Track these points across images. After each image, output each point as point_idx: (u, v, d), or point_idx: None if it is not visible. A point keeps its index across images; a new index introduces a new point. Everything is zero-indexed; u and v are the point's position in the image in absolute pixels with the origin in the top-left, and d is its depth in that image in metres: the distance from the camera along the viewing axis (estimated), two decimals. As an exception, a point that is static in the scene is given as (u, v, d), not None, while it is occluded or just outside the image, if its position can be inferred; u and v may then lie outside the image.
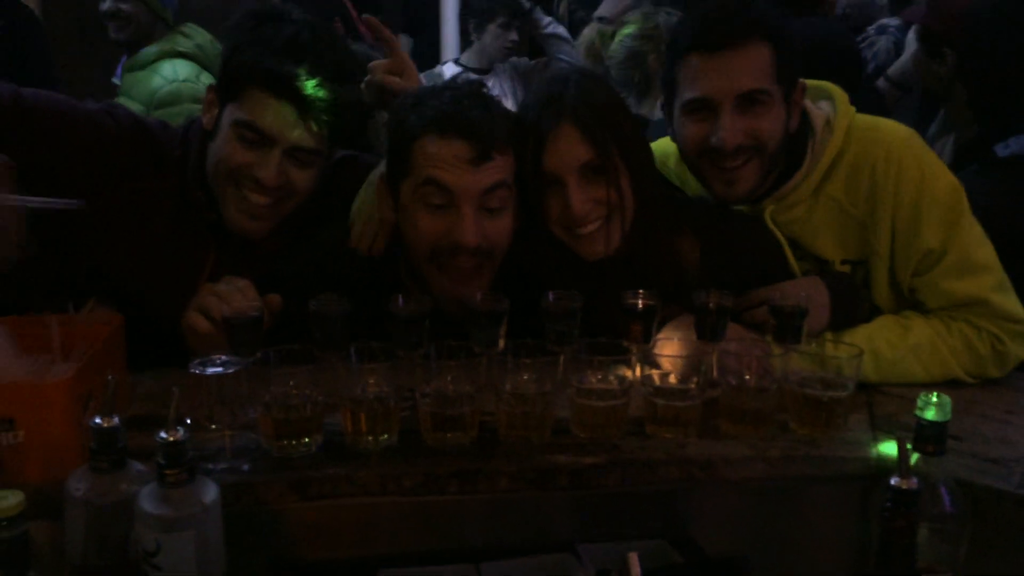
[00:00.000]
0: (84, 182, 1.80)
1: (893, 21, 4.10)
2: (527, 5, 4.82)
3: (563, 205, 1.75)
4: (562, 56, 4.82)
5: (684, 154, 1.89)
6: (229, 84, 1.83)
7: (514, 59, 4.87)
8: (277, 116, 1.79)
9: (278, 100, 1.79)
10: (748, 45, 1.76)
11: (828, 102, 1.94)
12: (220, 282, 1.72)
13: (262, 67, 1.78)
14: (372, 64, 2.06)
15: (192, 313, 1.68)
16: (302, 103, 1.79)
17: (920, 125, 2.80)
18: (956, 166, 2.58)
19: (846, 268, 1.89)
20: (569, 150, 1.73)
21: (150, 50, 3.66)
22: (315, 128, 1.82)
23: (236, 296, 1.68)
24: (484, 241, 1.72)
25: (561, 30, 4.93)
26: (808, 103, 1.92)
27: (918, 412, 1.28)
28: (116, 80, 4.07)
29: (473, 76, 4.66)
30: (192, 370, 1.41)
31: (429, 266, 1.76)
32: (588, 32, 4.18)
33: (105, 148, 1.85)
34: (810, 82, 1.96)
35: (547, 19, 4.93)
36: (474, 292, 1.70)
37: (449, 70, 4.85)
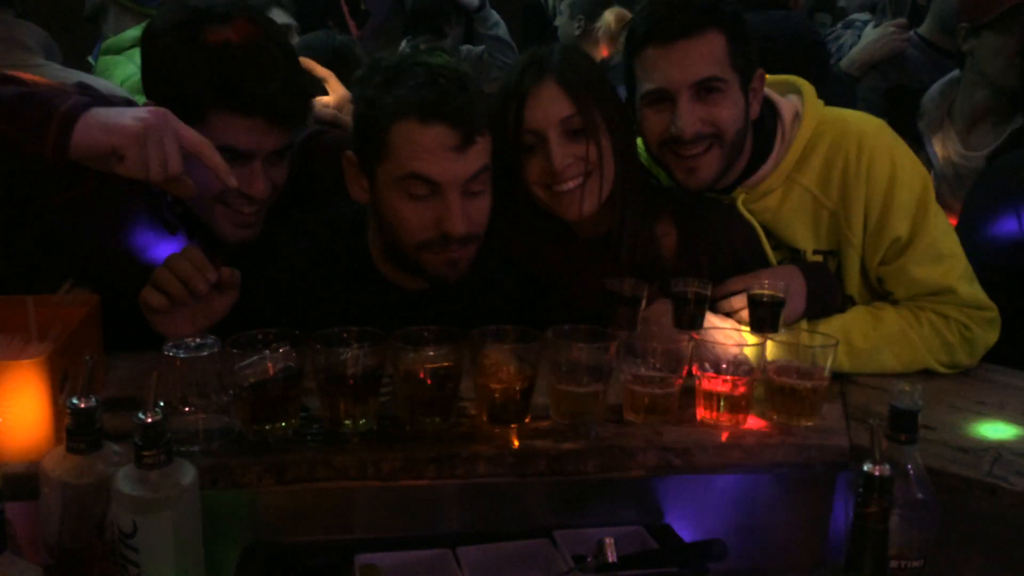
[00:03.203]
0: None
1: (863, 16, 4.15)
2: (475, 4, 4.88)
3: (543, 162, 1.77)
4: (500, 57, 4.91)
5: (647, 146, 1.91)
6: (185, 110, 1.65)
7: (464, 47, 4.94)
8: (251, 132, 1.73)
9: (247, 117, 1.72)
10: (702, 34, 1.78)
11: (796, 95, 1.96)
12: (172, 255, 1.68)
13: (223, 89, 1.69)
14: (315, 100, 2.10)
15: (145, 288, 1.65)
16: (272, 113, 1.74)
17: (892, 114, 2.84)
18: (1007, 147, 2.66)
19: (818, 258, 1.92)
20: (551, 105, 1.76)
21: (127, 35, 3.62)
22: (289, 130, 1.80)
23: (185, 266, 1.64)
24: (471, 227, 1.72)
25: (503, 33, 4.98)
26: (776, 96, 1.94)
27: (891, 401, 1.30)
28: (92, 60, 4.03)
29: None
30: (166, 352, 1.40)
31: (418, 252, 1.74)
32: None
33: None
34: (778, 76, 1.99)
35: (494, 19, 4.98)
36: (463, 271, 1.75)
37: None
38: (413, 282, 1.85)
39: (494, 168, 1.76)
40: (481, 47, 5.05)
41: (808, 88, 1.95)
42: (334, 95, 2.28)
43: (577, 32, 4.59)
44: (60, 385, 1.33)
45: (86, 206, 1.81)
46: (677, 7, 1.79)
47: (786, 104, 1.93)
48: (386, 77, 1.70)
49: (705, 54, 1.78)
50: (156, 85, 1.79)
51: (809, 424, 1.51)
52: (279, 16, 4.24)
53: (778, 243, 1.92)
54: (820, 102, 1.94)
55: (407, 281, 1.86)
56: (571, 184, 1.79)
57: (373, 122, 1.70)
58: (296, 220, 1.94)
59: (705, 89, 1.79)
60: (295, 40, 4.17)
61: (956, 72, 2.93)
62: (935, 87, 2.97)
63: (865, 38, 3.49)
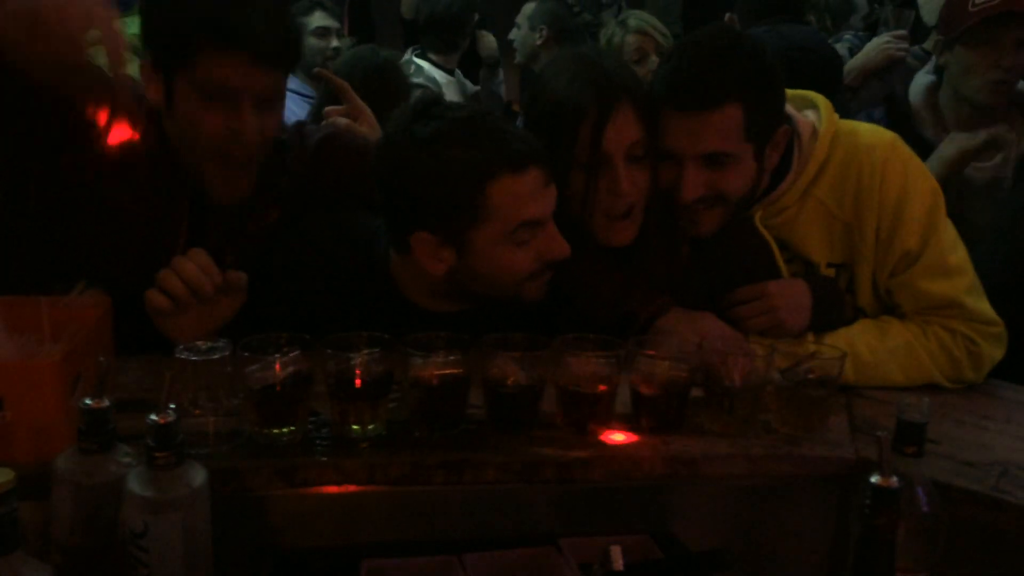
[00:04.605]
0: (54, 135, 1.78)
1: (848, 34, 4.19)
2: (495, 57, 4.92)
3: (609, 187, 1.77)
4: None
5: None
6: (173, 52, 1.75)
7: None
8: (237, 69, 1.74)
9: (233, 52, 1.73)
10: (719, 108, 1.74)
11: (813, 110, 1.96)
12: (177, 258, 1.69)
13: (208, 25, 1.72)
14: (327, 110, 2.11)
15: (151, 290, 1.67)
16: (256, 49, 1.74)
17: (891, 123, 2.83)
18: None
19: (831, 271, 1.92)
20: (625, 129, 1.76)
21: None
22: (277, 71, 1.81)
23: (190, 268, 1.66)
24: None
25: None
26: (794, 111, 1.94)
27: (898, 413, 1.30)
28: None
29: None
30: (177, 355, 1.41)
31: (519, 287, 1.74)
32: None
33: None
34: (796, 92, 1.98)
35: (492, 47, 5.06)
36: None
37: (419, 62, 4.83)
38: (437, 304, 1.83)
39: None
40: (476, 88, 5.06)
41: (825, 104, 1.95)
42: (350, 107, 2.30)
43: (539, 42, 4.59)
44: (73, 386, 1.34)
45: (91, 167, 1.81)
46: (699, 77, 1.75)
47: (804, 121, 1.92)
48: (455, 145, 1.65)
49: (719, 128, 1.75)
50: (152, 33, 1.82)
51: (816, 436, 1.52)
52: (322, 19, 4.29)
53: (792, 256, 1.93)
54: (836, 116, 1.94)
55: (432, 303, 1.83)
56: (626, 209, 1.80)
57: (459, 192, 1.65)
58: (312, 231, 1.93)
59: (713, 160, 1.77)
60: (335, 43, 4.17)
61: (930, 78, 2.89)
62: (917, 97, 2.89)
63: (864, 49, 3.50)
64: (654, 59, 3.88)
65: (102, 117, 1.81)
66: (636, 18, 4.22)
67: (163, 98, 1.80)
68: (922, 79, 2.92)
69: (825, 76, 3.08)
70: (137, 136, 1.84)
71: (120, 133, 1.83)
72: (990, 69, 2.62)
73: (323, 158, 2.02)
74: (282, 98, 1.88)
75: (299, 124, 2.14)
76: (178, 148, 1.84)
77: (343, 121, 2.24)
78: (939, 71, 2.83)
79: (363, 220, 1.89)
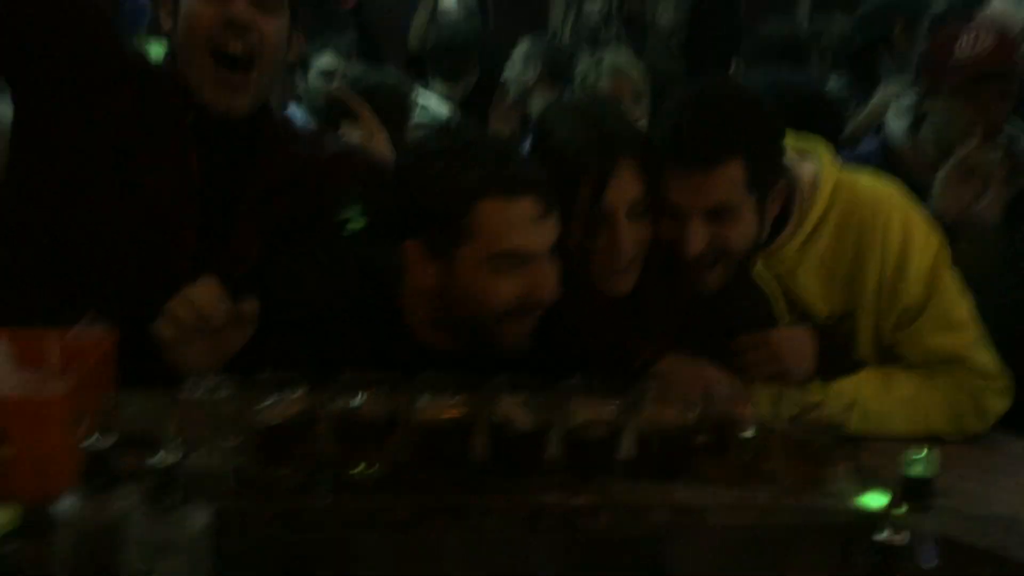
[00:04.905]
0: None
1: None
2: None
3: (610, 243, 1.77)
4: None
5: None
6: None
7: None
8: None
9: None
10: (721, 165, 1.74)
11: (814, 160, 1.96)
12: (187, 288, 1.70)
13: None
14: (344, 129, 2.13)
15: (159, 319, 1.67)
16: None
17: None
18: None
19: (831, 322, 1.92)
20: (628, 187, 1.76)
21: None
22: None
23: (201, 297, 1.66)
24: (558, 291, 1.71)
25: None
26: (794, 160, 1.94)
27: (905, 467, 1.30)
28: None
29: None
30: (182, 393, 1.41)
31: (498, 324, 1.72)
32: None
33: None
34: (796, 141, 1.99)
35: None
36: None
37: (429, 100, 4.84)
38: (442, 340, 1.82)
39: None
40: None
41: (825, 152, 1.96)
42: (366, 127, 2.31)
43: (532, 82, 4.56)
44: (77, 422, 1.33)
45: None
46: (701, 134, 1.75)
47: (804, 170, 1.93)
48: (452, 158, 1.67)
49: (722, 183, 1.75)
50: None
51: (820, 486, 1.51)
52: (329, 62, 4.31)
53: (793, 305, 1.93)
54: (836, 165, 1.95)
55: (437, 339, 1.82)
56: (627, 263, 1.80)
57: (448, 205, 1.66)
58: (321, 254, 1.93)
59: (716, 213, 1.77)
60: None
61: (907, 120, 2.84)
62: (899, 138, 2.86)
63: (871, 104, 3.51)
64: (629, 101, 3.82)
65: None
66: (612, 58, 4.17)
67: (171, 23, 1.88)
68: (902, 121, 2.91)
69: (821, 126, 3.09)
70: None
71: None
72: (979, 119, 2.60)
73: (335, 172, 2.04)
74: (283, 7, 1.91)
75: (319, 131, 2.17)
76: (180, 66, 1.89)
77: (359, 138, 2.25)
78: (915, 116, 2.82)
79: (373, 250, 1.89)
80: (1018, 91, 2.67)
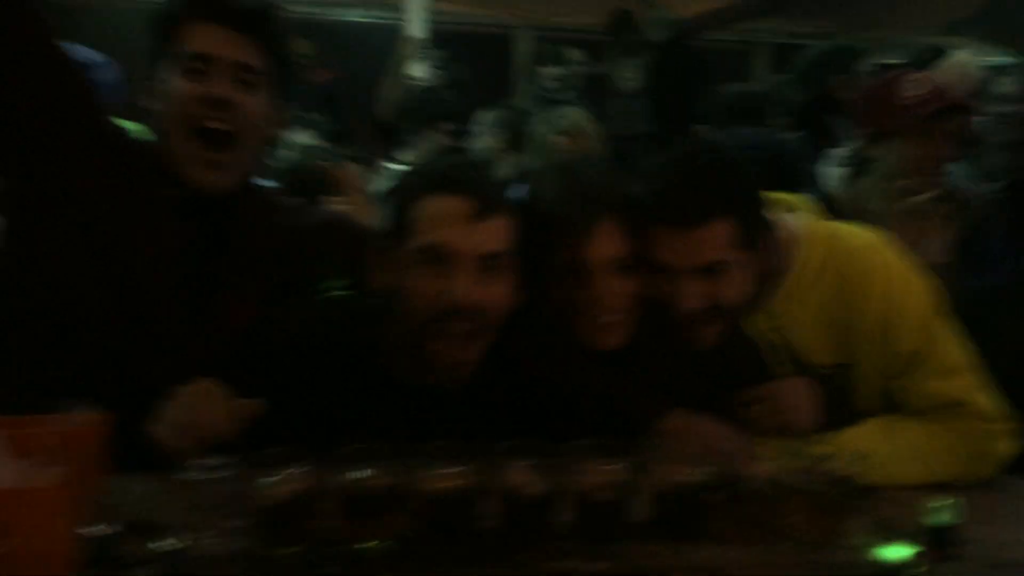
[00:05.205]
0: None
1: None
2: None
3: (592, 297, 1.77)
4: None
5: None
6: (163, 38, 1.89)
7: None
8: (215, 38, 1.86)
9: (214, 25, 1.87)
10: (710, 224, 1.74)
11: (792, 214, 1.98)
12: (182, 390, 1.67)
13: (189, 1, 1.88)
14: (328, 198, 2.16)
15: (155, 423, 1.63)
16: (237, 20, 1.88)
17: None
18: None
19: (831, 372, 1.91)
20: (607, 243, 1.76)
21: None
22: (254, 44, 1.90)
23: (202, 401, 1.64)
24: (478, 301, 1.71)
25: None
26: (781, 214, 1.95)
27: (928, 516, 1.28)
28: None
29: None
30: (182, 474, 1.36)
31: (424, 336, 1.72)
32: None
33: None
34: (775, 195, 1.99)
35: None
36: (468, 366, 1.75)
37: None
38: (417, 374, 1.80)
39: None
40: None
41: (804, 206, 1.98)
42: (352, 196, 2.32)
43: (499, 148, 4.56)
44: (76, 509, 1.28)
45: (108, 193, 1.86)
46: (686, 197, 1.76)
47: (784, 224, 1.93)
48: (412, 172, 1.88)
49: (712, 242, 1.75)
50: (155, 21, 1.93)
51: (839, 540, 1.48)
52: (308, 139, 4.31)
53: (788, 358, 1.92)
54: (815, 219, 1.96)
55: (413, 374, 1.80)
56: (615, 317, 1.79)
57: (395, 206, 1.78)
58: (306, 304, 1.96)
59: (709, 270, 1.77)
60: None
61: (842, 170, 2.81)
62: (838, 189, 2.80)
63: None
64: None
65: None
66: (568, 116, 4.19)
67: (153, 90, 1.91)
68: (837, 170, 2.87)
69: (780, 182, 3.09)
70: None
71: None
72: (927, 160, 2.59)
73: (322, 240, 2.06)
74: (263, 84, 1.93)
75: (302, 204, 2.18)
76: (164, 144, 1.90)
77: (344, 208, 2.26)
78: (856, 163, 2.77)
79: (358, 302, 1.93)
80: (967, 129, 2.69)
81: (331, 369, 1.80)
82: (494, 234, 1.72)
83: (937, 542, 1.27)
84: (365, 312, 1.87)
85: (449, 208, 1.69)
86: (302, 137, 4.34)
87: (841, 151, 2.90)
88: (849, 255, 1.88)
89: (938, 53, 2.85)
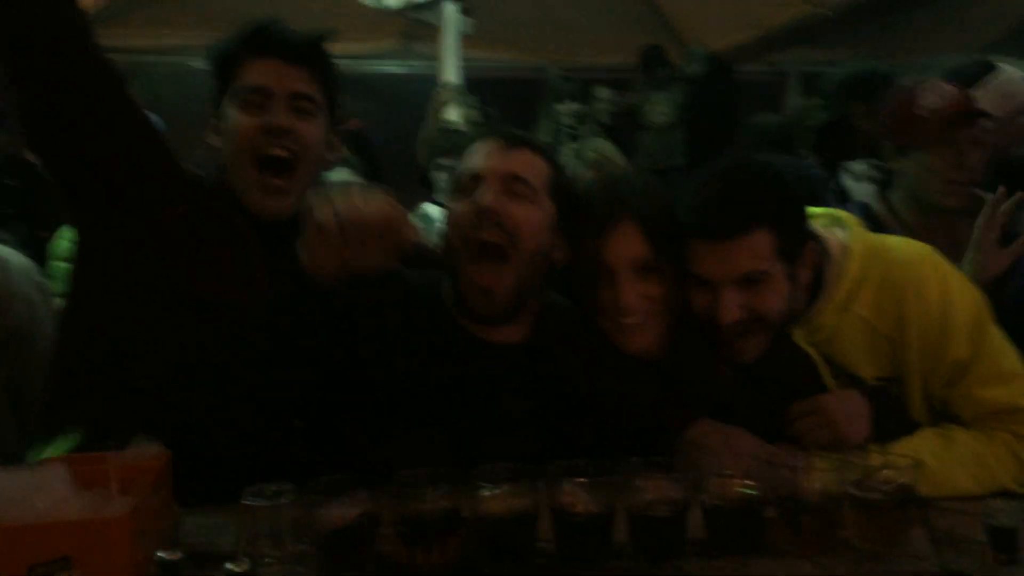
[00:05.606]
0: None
1: None
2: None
3: (611, 295, 1.82)
4: None
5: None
6: (222, 81, 2.01)
7: None
8: (271, 71, 1.97)
9: (269, 59, 1.98)
10: (748, 235, 1.76)
11: (841, 228, 1.99)
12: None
13: (244, 40, 1.99)
14: None
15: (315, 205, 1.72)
16: (290, 53, 1.99)
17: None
18: None
19: (880, 384, 1.90)
20: (626, 244, 1.81)
21: None
22: (307, 74, 2.00)
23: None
24: (503, 226, 1.81)
25: None
26: (822, 231, 1.96)
27: (988, 519, 1.27)
28: None
29: None
30: (244, 501, 1.38)
31: (468, 242, 1.83)
32: None
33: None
34: (823, 210, 2.02)
35: None
36: (501, 297, 1.84)
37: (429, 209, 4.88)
38: (492, 333, 1.90)
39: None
40: None
41: (852, 220, 1.98)
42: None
43: None
44: (139, 541, 1.31)
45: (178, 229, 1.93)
46: (723, 209, 1.77)
47: (833, 239, 1.94)
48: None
49: (750, 252, 1.76)
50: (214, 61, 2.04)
51: (898, 550, 1.47)
52: (342, 176, 4.39)
53: (838, 372, 1.91)
54: (865, 232, 1.96)
55: (487, 333, 1.90)
56: (636, 319, 1.81)
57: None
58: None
59: (748, 281, 1.78)
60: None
61: (872, 186, 2.80)
62: (874, 204, 2.74)
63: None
64: None
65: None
66: (595, 146, 4.20)
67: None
68: (864, 186, 2.89)
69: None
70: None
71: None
72: (952, 169, 2.53)
73: None
74: (317, 112, 2.03)
75: None
76: (226, 177, 2.00)
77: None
78: (884, 176, 2.77)
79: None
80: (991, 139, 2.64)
81: (403, 324, 1.90)
82: (519, 160, 1.87)
83: (1001, 545, 1.25)
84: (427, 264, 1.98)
85: (486, 145, 1.90)
86: (340, 174, 4.43)
87: (861, 166, 2.91)
88: (904, 265, 1.89)
89: (987, 68, 2.81)
